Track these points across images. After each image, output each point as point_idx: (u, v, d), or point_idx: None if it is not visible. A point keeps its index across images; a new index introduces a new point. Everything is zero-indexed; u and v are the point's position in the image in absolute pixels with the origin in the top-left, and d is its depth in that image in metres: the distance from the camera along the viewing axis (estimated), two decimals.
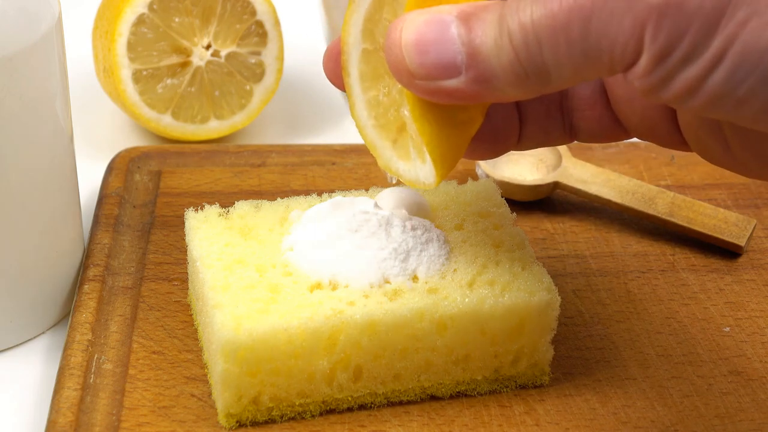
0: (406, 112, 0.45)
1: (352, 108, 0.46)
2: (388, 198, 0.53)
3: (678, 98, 0.36)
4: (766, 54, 0.34)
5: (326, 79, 0.46)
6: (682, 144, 0.44)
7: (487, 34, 0.38)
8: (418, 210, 0.54)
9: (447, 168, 0.44)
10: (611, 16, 0.35)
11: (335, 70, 0.45)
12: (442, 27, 0.38)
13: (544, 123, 0.46)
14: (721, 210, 0.63)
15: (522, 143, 0.47)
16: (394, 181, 0.52)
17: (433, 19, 0.39)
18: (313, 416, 0.51)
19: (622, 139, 0.46)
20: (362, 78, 0.45)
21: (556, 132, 0.47)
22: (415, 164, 0.45)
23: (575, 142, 0.47)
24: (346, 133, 0.74)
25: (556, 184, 0.65)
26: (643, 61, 0.35)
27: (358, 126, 0.46)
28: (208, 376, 0.52)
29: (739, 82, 0.34)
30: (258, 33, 0.70)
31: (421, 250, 0.51)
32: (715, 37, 0.34)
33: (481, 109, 0.44)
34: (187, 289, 0.57)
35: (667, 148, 0.44)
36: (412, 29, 0.39)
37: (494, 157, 0.47)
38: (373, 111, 0.46)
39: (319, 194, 0.56)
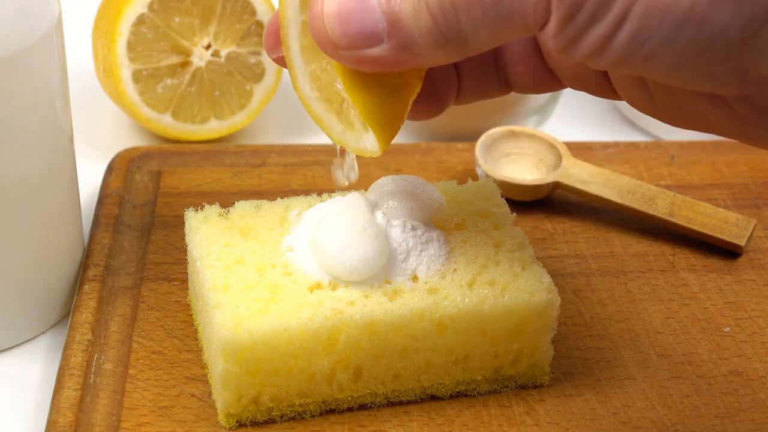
0: (338, 84, 0.45)
1: (294, 81, 0.46)
2: (383, 189, 0.53)
3: (588, 57, 0.37)
4: (667, 14, 0.35)
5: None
6: (613, 93, 0.45)
7: (405, 2, 0.39)
8: (417, 203, 0.53)
9: (388, 134, 0.44)
10: None
11: (275, 46, 0.46)
12: None
13: (480, 78, 0.48)
14: (721, 210, 0.63)
15: (460, 99, 0.48)
16: (350, 157, 0.52)
17: None
18: (313, 416, 0.51)
19: (557, 90, 0.48)
20: (303, 51, 0.45)
21: (491, 86, 0.48)
22: (360, 134, 0.45)
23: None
24: None
25: (556, 184, 0.65)
26: (552, 22, 0.36)
27: (301, 99, 0.46)
28: (208, 376, 0.52)
29: (643, 41, 0.35)
30: (258, 33, 0.70)
31: (421, 250, 0.51)
32: None
33: (417, 73, 0.44)
34: (187, 289, 0.57)
35: (601, 97, 0.45)
36: (333, 0, 0.40)
37: (435, 116, 0.48)
38: (315, 83, 0.46)
39: (319, 194, 0.56)
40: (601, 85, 0.45)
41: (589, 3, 0.36)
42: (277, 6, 0.73)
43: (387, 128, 0.44)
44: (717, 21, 0.35)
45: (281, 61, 0.46)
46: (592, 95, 0.46)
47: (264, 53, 0.71)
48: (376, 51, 0.40)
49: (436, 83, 0.47)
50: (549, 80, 0.47)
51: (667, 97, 0.41)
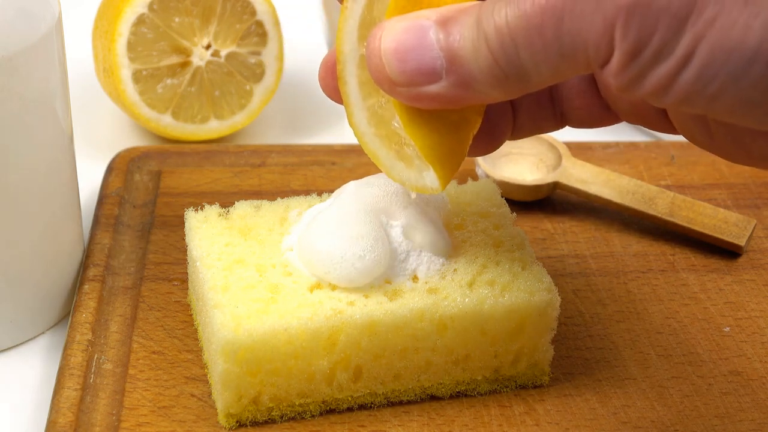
0: (396, 122, 0.45)
1: (350, 117, 0.46)
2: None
3: (652, 95, 0.36)
4: (734, 52, 0.34)
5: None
6: (671, 128, 0.44)
7: (465, 38, 0.38)
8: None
9: (449, 170, 0.44)
10: (582, 15, 0.36)
11: (332, 83, 0.45)
12: (421, 33, 0.39)
13: (536, 114, 0.47)
14: (721, 210, 0.63)
15: (515, 134, 0.48)
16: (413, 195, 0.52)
17: (411, 26, 0.39)
18: (313, 416, 0.51)
19: (613, 124, 0.47)
20: (361, 86, 0.45)
21: (547, 121, 0.47)
22: (420, 170, 0.45)
23: (567, 127, 0.48)
24: (346, 133, 0.74)
25: (556, 184, 0.65)
26: (615, 59, 0.36)
27: (357, 135, 0.46)
28: (208, 376, 0.52)
29: (710, 79, 0.35)
30: (258, 33, 0.70)
31: (421, 250, 0.51)
32: (684, 36, 0.35)
33: (477, 109, 0.44)
34: (187, 289, 0.57)
35: (659, 132, 0.45)
36: (391, 37, 0.39)
37: (492, 151, 0.48)
38: (373, 119, 0.45)
39: (319, 194, 0.56)
40: (660, 120, 0.44)
41: (655, 40, 0.35)
42: (277, 6, 0.73)
43: (447, 165, 0.44)
44: None
45: (337, 97, 0.45)
46: (649, 129, 0.45)
47: (264, 53, 0.71)
48: (434, 88, 0.39)
49: (493, 118, 0.47)
50: (605, 115, 0.46)
51: (727, 134, 0.40)
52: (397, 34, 0.39)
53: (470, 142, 0.45)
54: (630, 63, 0.36)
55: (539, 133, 0.48)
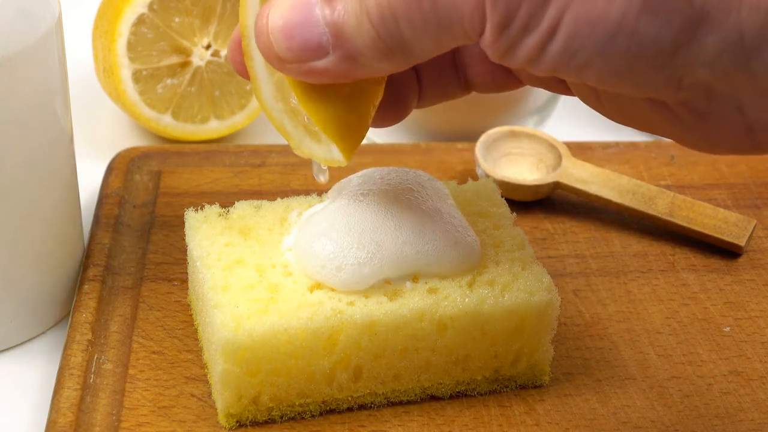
0: (293, 99, 0.45)
1: (257, 93, 0.46)
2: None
3: (525, 64, 0.37)
4: (597, 25, 0.35)
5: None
6: (567, 90, 0.45)
7: (348, 13, 0.39)
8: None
9: (350, 142, 0.44)
10: None
11: (239, 58, 0.46)
12: (307, 9, 0.40)
13: (440, 81, 0.48)
14: (721, 210, 0.63)
15: (421, 102, 0.48)
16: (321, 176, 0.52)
17: (298, 3, 0.40)
18: (313, 416, 0.51)
19: (516, 88, 0.48)
20: (266, 61, 0.45)
21: (452, 87, 0.48)
22: (327, 144, 0.45)
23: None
24: None
25: (556, 184, 0.65)
26: (487, 31, 0.37)
27: (265, 110, 0.46)
28: (208, 376, 0.52)
29: (575, 51, 0.36)
30: None
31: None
32: (549, 8, 0.36)
33: (376, 80, 0.44)
34: (187, 289, 0.57)
35: (557, 93, 0.47)
36: (278, 14, 0.40)
37: (399, 121, 0.48)
38: (279, 94, 0.46)
39: (319, 194, 0.56)
40: (557, 83, 0.45)
41: (521, 13, 0.36)
42: None
43: (348, 138, 0.44)
44: (647, 32, 0.35)
45: (245, 73, 0.46)
46: (550, 92, 0.46)
47: None
48: (322, 63, 0.40)
49: (398, 88, 0.47)
50: (508, 79, 0.47)
51: (611, 98, 0.41)
52: (284, 11, 0.40)
53: (372, 113, 0.45)
54: (500, 35, 0.37)
55: (446, 100, 0.49)
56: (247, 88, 0.71)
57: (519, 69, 0.46)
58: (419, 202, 0.51)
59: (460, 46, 0.47)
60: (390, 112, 0.47)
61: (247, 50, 0.45)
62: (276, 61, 0.41)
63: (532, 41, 0.36)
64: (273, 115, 0.46)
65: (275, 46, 0.41)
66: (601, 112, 0.43)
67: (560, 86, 0.45)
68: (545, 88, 0.46)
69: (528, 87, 0.72)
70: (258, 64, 0.45)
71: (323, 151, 0.46)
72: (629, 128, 0.77)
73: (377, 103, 0.45)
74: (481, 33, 0.37)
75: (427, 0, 0.37)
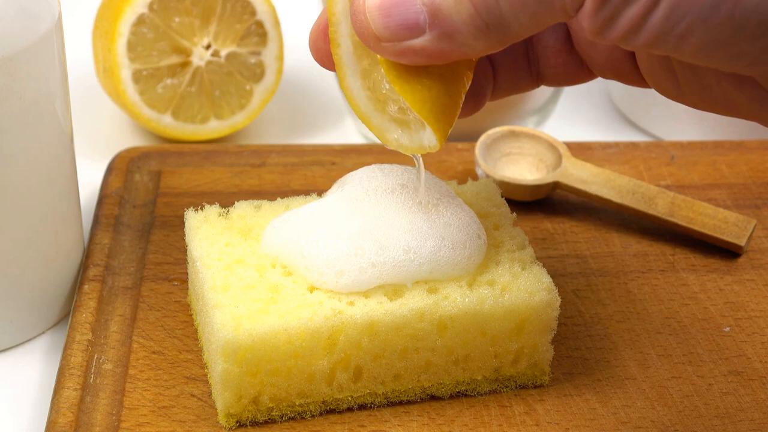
0: (386, 83, 0.45)
1: (342, 81, 0.46)
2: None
3: (623, 37, 0.37)
4: None
5: (325, 78, 0.46)
6: (642, 81, 0.46)
7: None
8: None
9: (444, 124, 0.44)
10: None
11: (323, 47, 0.46)
12: None
13: (514, 74, 0.48)
14: (721, 210, 0.63)
15: (494, 94, 0.49)
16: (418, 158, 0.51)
17: None
18: (313, 416, 0.51)
19: (587, 80, 0.48)
20: (354, 47, 0.45)
21: (524, 80, 0.49)
22: (416, 130, 0.45)
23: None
24: (346, 133, 0.74)
25: (556, 184, 0.65)
26: (588, 2, 0.37)
27: (349, 99, 0.46)
28: (208, 376, 0.52)
29: (679, 19, 0.36)
30: (258, 33, 0.70)
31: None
32: None
33: (467, 64, 0.44)
34: (187, 289, 0.57)
35: (632, 85, 0.47)
36: None
37: (477, 111, 0.49)
38: (366, 82, 0.46)
39: (319, 194, 0.56)
40: (632, 72, 0.45)
41: None
42: (277, 6, 0.73)
43: (442, 119, 0.44)
44: (750, 0, 0.35)
45: (328, 63, 0.46)
46: (623, 83, 0.47)
47: (264, 53, 0.71)
48: (418, 42, 0.40)
49: (475, 78, 0.48)
50: (580, 71, 0.48)
51: (692, 78, 0.41)
52: None
53: (463, 97, 0.45)
54: (602, 5, 0.37)
55: (517, 93, 0.50)
56: (247, 87, 0.71)
57: (612, 44, 0.45)
58: (424, 203, 0.51)
59: (535, 38, 0.47)
60: (469, 102, 0.48)
61: (334, 37, 0.45)
62: (373, 40, 0.41)
63: (633, 11, 0.36)
64: (358, 103, 0.46)
65: (372, 24, 0.41)
66: (676, 98, 0.43)
67: (634, 75, 0.45)
68: (618, 80, 0.47)
69: None
70: (345, 51, 0.45)
71: (411, 139, 0.45)
72: (629, 128, 0.77)
73: (468, 87, 0.45)
74: (580, 6, 0.37)
75: None
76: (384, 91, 0.45)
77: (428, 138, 0.45)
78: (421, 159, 0.50)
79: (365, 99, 0.46)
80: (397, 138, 0.46)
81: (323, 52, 0.46)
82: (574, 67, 0.48)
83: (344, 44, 0.45)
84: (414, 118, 0.45)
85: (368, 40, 0.41)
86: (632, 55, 0.45)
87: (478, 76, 0.47)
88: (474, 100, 0.48)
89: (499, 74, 0.48)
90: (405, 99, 0.43)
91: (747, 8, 0.35)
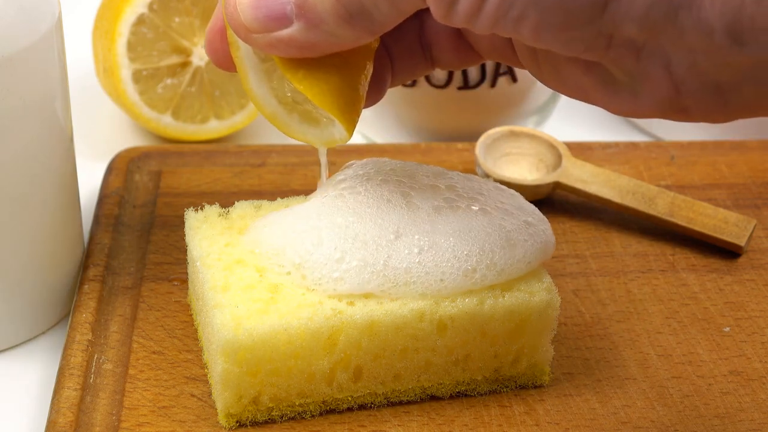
0: (286, 87, 0.45)
1: (245, 83, 0.46)
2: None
3: (467, 21, 0.38)
4: None
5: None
6: (518, 61, 0.46)
7: None
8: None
9: (350, 114, 0.45)
10: None
11: (221, 48, 0.47)
12: None
13: (410, 59, 0.49)
14: (721, 210, 0.63)
15: (394, 81, 0.50)
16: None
17: None
18: (313, 416, 0.51)
19: (477, 63, 0.49)
20: (255, 48, 0.45)
21: (420, 65, 0.49)
22: (326, 125, 0.45)
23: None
24: None
25: (556, 184, 0.65)
26: None
27: (254, 99, 0.46)
28: (208, 376, 0.52)
29: (510, 4, 0.37)
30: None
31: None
32: None
33: (365, 53, 0.45)
34: (187, 289, 0.57)
35: (514, 66, 0.50)
36: None
37: (378, 100, 0.49)
38: (270, 82, 0.46)
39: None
40: (513, 54, 0.46)
41: None
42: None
43: (346, 108, 0.45)
44: None
45: (227, 64, 0.47)
46: (506, 64, 0.48)
47: None
48: (287, 32, 0.42)
49: (374, 67, 0.48)
50: (470, 54, 0.49)
51: (547, 62, 0.42)
52: None
53: (365, 86, 0.45)
54: None
55: (414, 78, 0.51)
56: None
57: (464, 29, 0.47)
58: (433, 202, 0.51)
59: (426, 24, 0.48)
60: (369, 91, 0.48)
61: (233, 39, 0.45)
62: (243, 31, 0.43)
63: None
64: (263, 103, 0.46)
65: (242, 16, 0.42)
66: (540, 80, 0.44)
67: (512, 56, 0.46)
68: (502, 62, 0.48)
69: (528, 87, 0.72)
70: (245, 53, 0.46)
71: (321, 133, 0.46)
72: (629, 128, 0.77)
73: (369, 76, 0.45)
74: None
75: None
76: (288, 92, 0.46)
77: (337, 130, 0.45)
78: (324, 151, 0.51)
79: (270, 99, 0.46)
80: (305, 133, 0.47)
81: (221, 53, 0.47)
82: (465, 51, 0.48)
83: (243, 46, 0.45)
84: (321, 113, 0.45)
85: (239, 31, 0.43)
86: (510, 39, 0.46)
87: (376, 64, 0.48)
88: (375, 89, 0.48)
89: (396, 61, 0.49)
90: (305, 94, 0.44)
91: None
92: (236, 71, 0.46)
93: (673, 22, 0.36)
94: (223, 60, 0.47)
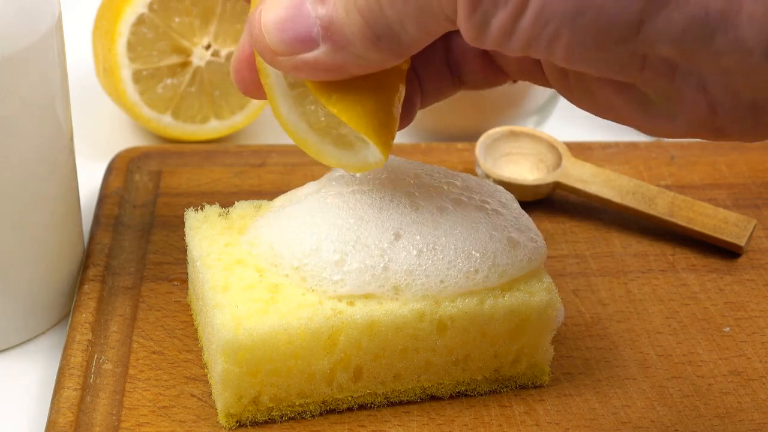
0: (321, 106, 0.45)
1: (276, 110, 0.46)
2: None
3: (499, 42, 0.38)
4: None
5: None
6: (547, 81, 0.46)
7: (338, 4, 0.40)
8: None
9: (385, 137, 0.44)
10: None
11: (249, 76, 0.46)
12: (298, 3, 0.41)
13: (437, 81, 0.49)
14: (721, 210, 0.63)
15: (423, 102, 0.49)
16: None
17: None
18: (313, 416, 0.51)
19: (505, 83, 0.49)
20: (286, 75, 0.45)
21: (448, 87, 0.49)
22: (359, 150, 0.45)
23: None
24: None
25: (556, 184, 0.65)
26: (459, 8, 0.37)
27: (286, 127, 0.46)
28: (208, 376, 0.52)
29: (545, 23, 0.36)
30: None
31: None
32: None
33: (397, 74, 0.44)
34: (187, 289, 0.57)
35: (542, 86, 0.48)
36: (271, 10, 0.42)
37: (409, 123, 0.49)
38: (301, 108, 0.46)
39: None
40: (540, 74, 0.46)
41: None
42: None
43: (382, 132, 0.44)
44: (614, 4, 0.35)
45: (254, 91, 0.46)
46: (536, 84, 0.47)
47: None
48: (313, 55, 0.41)
49: (406, 92, 0.48)
50: (497, 75, 0.48)
51: (578, 83, 0.42)
52: (277, 7, 0.41)
53: (399, 108, 0.45)
54: (473, 12, 0.37)
55: (442, 99, 0.50)
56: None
57: (495, 51, 0.46)
58: (438, 203, 0.51)
59: (453, 45, 0.48)
60: (402, 113, 0.48)
61: (262, 66, 0.45)
62: (269, 54, 0.42)
63: (503, 15, 0.37)
64: (295, 129, 0.46)
65: (268, 39, 0.42)
66: (571, 100, 0.43)
67: (540, 76, 0.45)
68: (530, 81, 0.47)
69: (528, 87, 0.72)
70: (275, 80, 0.45)
71: (355, 158, 0.45)
72: (629, 128, 0.77)
73: (402, 97, 0.45)
74: (456, 12, 0.38)
75: None
76: (321, 117, 0.46)
77: (372, 154, 0.45)
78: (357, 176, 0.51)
79: (301, 124, 0.46)
80: (338, 158, 0.46)
81: (248, 81, 0.46)
82: (492, 71, 0.48)
83: (273, 72, 0.45)
84: (355, 137, 0.45)
85: (265, 54, 0.42)
86: (539, 60, 0.46)
87: (406, 86, 0.48)
88: (405, 112, 0.48)
89: (424, 83, 0.49)
90: (341, 117, 0.43)
91: (612, 12, 0.35)
92: (266, 98, 0.46)
93: (709, 43, 0.35)
94: (251, 87, 0.46)
